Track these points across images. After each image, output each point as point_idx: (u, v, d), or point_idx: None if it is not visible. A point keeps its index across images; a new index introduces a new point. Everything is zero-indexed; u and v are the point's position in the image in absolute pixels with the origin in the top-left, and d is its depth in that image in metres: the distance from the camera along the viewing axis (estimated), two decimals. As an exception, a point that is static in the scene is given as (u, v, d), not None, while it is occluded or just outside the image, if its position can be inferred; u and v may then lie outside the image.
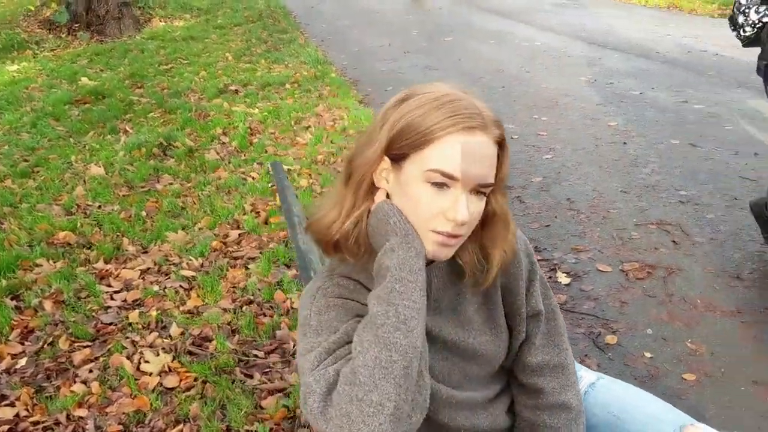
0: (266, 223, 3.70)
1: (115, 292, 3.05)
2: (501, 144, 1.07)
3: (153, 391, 2.40)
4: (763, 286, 2.99)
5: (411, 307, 0.98)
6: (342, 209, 1.11)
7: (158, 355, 2.59)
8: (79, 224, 3.64)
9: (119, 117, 5.68)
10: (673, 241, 3.41)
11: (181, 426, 2.24)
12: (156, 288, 3.07)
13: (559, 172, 4.35)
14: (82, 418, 2.28)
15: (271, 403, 2.32)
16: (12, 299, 2.99)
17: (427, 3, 12.38)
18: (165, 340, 2.70)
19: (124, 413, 2.30)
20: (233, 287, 3.07)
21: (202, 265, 3.27)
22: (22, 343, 2.70)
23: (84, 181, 4.26)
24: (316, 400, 0.96)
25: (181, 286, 3.09)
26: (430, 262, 1.15)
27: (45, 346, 2.66)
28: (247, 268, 3.23)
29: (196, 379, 2.46)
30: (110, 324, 2.81)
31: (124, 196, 4.06)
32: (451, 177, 1.01)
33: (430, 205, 1.03)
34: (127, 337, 2.71)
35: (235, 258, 3.35)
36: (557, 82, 6.54)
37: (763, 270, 3.11)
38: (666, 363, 2.54)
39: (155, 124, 5.46)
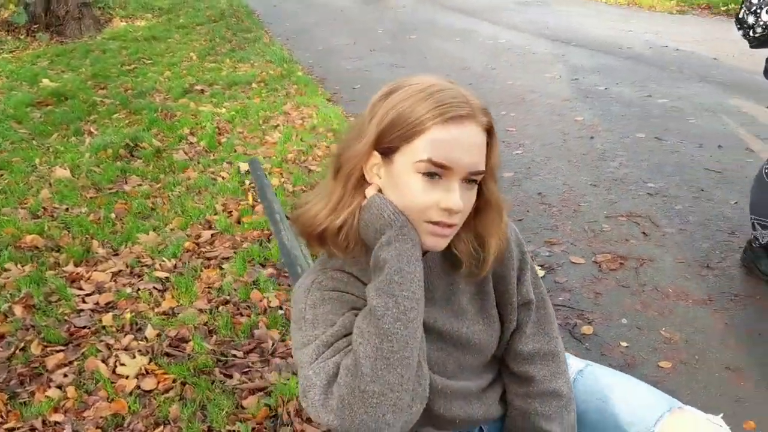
0: (239, 222, 3.67)
1: (87, 295, 2.99)
2: (489, 131, 1.08)
3: (131, 394, 2.36)
4: (733, 274, 3.06)
5: (410, 298, 0.99)
6: (329, 202, 1.11)
7: (134, 357, 2.55)
8: (46, 227, 3.56)
9: (83, 118, 5.57)
10: (644, 233, 3.47)
11: (161, 428, 2.21)
12: (129, 290, 3.02)
13: (529, 167, 4.39)
14: (58, 423, 2.23)
15: (253, 402, 2.30)
16: (-20, 305, 2.92)
17: (388, 1, 12.39)
18: (141, 342, 2.66)
19: (101, 417, 2.25)
20: (208, 288, 3.03)
21: (175, 266, 3.23)
22: (-7, 349, 2.64)
23: (50, 183, 4.17)
24: (317, 393, 0.96)
25: (154, 287, 3.05)
26: (424, 254, 1.15)
27: (17, 351, 2.59)
28: (221, 268, 3.20)
29: (174, 381, 2.42)
30: (83, 327, 2.76)
31: (91, 198, 3.99)
32: (442, 166, 1.02)
33: (423, 196, 1.03)
34: (102, 341, 2.66)
35: (209, 258, 3.31)
36: (523, 79, 6.60)
37: (732, 259, 3.18)
38: (642, 351, 2.58)
39: (120, 125, 5.37)
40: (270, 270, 3.15)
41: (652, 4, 11.00)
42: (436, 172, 1.03)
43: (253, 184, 4.13)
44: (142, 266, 3.23)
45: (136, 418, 2.26)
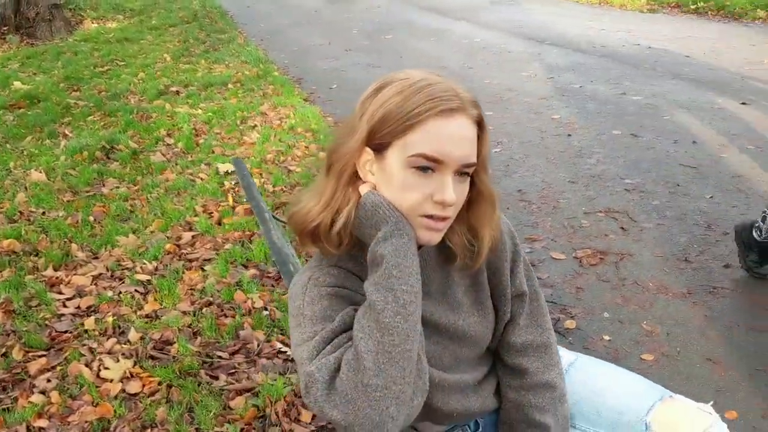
0: (220, 224, 3.65)
1: (68, 299, 2.95)
2: (480, 123, 1.09)
3: (116, 397, 2.34)
4: (711, 267, 3.11)
5: (409, 292, 0.99)
6: (322, 199, 1.11)
7: (118, 361, 2.52)
8: (23, 231, 3.51)
9: (57, 121, 5.50)
10: (622, 228, 3.52)
11: (148, 431, 2.19)
12: (110, 293, 2.99)
13: (507, 165, 4.42)
14: (43, 428, 2.20)
15: (240, 403, 2.29)
16: (-42, 311, 2.87)
17: (355, 1, 12.37)
18: (124, 345, 2.63)
19: (87, 422, 2.23)
20: (191, 289, 3.01)
21: (156, 269, 3.20)
22: (-27, 356, 2.60)
23: (25, 187, 4.11)
24: (320, 389, 0.97)
25: (136, 290, 3.02)
26: (419, 248, 1.16)
27: (-2, 357, 2.56)
28: (203, 270, 3.18)
29: (160, 384, 2.41)
30: (65, 332, 2.72)
31: (68, 201, 3.94)
32: (435, 160, 1.03)
33: (417, 190, 1.04)
34: (84, 345, 2.63)
35: (191, 260, 3.29)
36: (499, 78, 6.64)
37: (710, 252, 3.23)
38: (624, 345, 2.61)
39: (96, 127, 5.31)
40: (253, 271, 3.14)
41: (623, 3, 11.13)
42: (428, 166, 1.03)
43: (233, 185, 4.11)
44: (122, 269, 3.20)
45: (123, 421, 2.24)
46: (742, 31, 8.62)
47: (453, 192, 1.04)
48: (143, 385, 2.41)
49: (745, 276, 3.01)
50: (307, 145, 4.83)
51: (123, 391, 2.38)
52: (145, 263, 3.23)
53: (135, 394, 2.37)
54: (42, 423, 2.22)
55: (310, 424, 2.22)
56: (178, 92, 6.39)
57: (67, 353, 2.58)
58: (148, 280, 3.09)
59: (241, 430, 2.18)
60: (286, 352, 2.58)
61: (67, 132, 5.22)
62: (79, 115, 5.64)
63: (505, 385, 1.32)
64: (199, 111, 5.71)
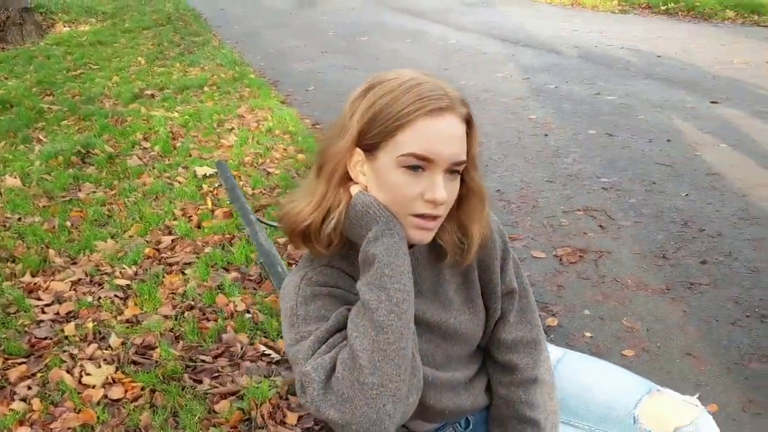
0: (199, 227, 3.62)
1: (47, 305, 2.92)
2: (468, 121, 1.10)
3: (98, 403, 2.31)
4: (688, 264, 3.16)
5: (402, 290, 1.00)
6: (312, 199, 1.11)
7: (100, 366, 2.50)
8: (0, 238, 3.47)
9: (30, 126, 5.42)
10: (600, 226, 3.56)
11: (133, 436, 2.17)
12: (90, 299, 2.96)
13: (486, 165, 4.45)
14: (25, 436, 2.18)
15: (225, 406, 2.28)
16: (-67, 319, 2.83)
17: (321, 4, 12.37)
18: (105, 351, 2.60)
19: (69, 428, 2.20)
20: (172, 294, 2.99)
21: (136, 273, 3.18)
22: (-49, 364, 2.56)
23: (0, 193, 4.05)
24: (316, 389, 0.97)
25: (116, 295, 2.99)
26: (411, 247, 1.17)
27: (-24, 365, 2.52)
28: (184, 274, 3.15)
29: (143, 389, 2.39)
30: (45, 338, 2.69)
31: (44, 206, 3.89)
32: (425, 159, 1.03)
33: (407, 189, 1.05)
34: (65, 351, 2.60)
35: (171, 264, 3.26)
36: (476, 79, 6.68)
37: (687, 249, 3.28)
38: (606, 341, 2.65)
39: (70, 131, 5.25)
40: (234, 274, 3.12)
41: (594, 4, 11.26)
42: (419, 165, 1.04)
43: (211, 189, 4.09)
44: (101, 274, 3.17)
45: (106, 427, 2.22)
46: (712, 32, 8.76)
47: (444, 190, 1.05)
48: (126, 391, 2.38)
49: (721, 272, 3.07)
50: (286, 148, 4.81)
51: (105, 396, 2.36)
52: (124, 268, 3.20)
53: (118, 400, 2.35)
54: (24, 430, 2.19)
55: (296, 426, 2.22)
56: (153, 95, 6.33)
57: (47, 360, 2.55)
58: (128, 285, 3.07)
59: (227, 433, 2.18)
60: (269, 354, 2.57)
61: (41, 137, 5.15)
62: (53, 120, 5.56)
63: (495, 382, 1.33)
64: (176, 114, 5.66)
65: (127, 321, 2.81)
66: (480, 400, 1.32)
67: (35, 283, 3.07)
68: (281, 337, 2.63)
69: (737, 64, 6.93)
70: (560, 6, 11.49)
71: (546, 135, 4.98)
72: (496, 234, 1.26)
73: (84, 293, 3.01)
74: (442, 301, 1.23)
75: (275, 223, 2.17)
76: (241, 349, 2.60)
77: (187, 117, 5.54)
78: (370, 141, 1.07)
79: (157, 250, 3.39)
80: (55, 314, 2.86)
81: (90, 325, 2.75)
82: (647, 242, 3.37)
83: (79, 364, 2.52)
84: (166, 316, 2.82)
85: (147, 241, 3.47)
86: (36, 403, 2.30)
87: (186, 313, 2.84)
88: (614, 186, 4.04)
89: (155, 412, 2.26)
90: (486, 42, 8.47)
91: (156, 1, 13.11)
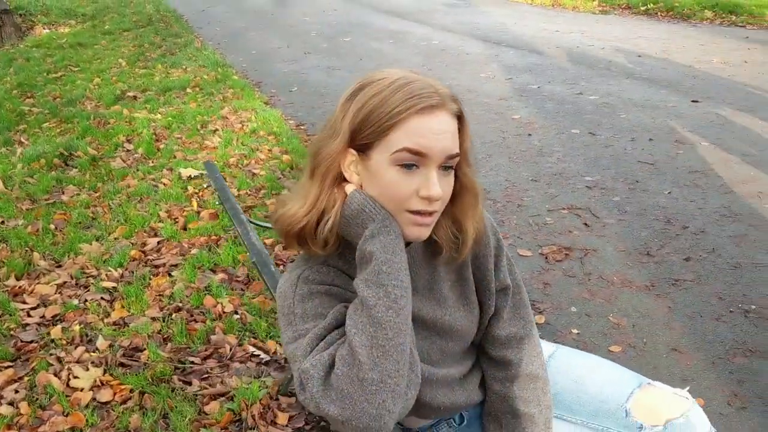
0: (185, 229, 3.61)
1: (32, 308, 2.89)
2: (460, 117, 1.11)
3: (87, 406, 2.30)
4: (672, 260, 3.20)
5: (399, 287, 1.01)
6: (306, 201, 1.12)
7: (88, 369, 2.48)
8: (-18, 241, 3.43)
9: (11, 128, 5.37)
10: (585, 224, 3.59)
11: (123, 439, 2.16)
12: (76, 302, 2.94)
13: (471, 165, 4.46)
14: (13, 440, 2.16)
15: (215, 408, 2.28)
16: None
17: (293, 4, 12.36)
18: (93, 354, 2.59)
19: (58, 431, 2.19)
20: (159, 296, 2.98)
21: (122, 276, 3.16)
22: (-65, 369, 2.53)
23: (-19, 196, 4.01)
24: (316, 385, 0.97)
25: (102, 298, 2.97)
26: (408, 244, 1.17)
27: (-38, 369, 2.50)
28: (171, 276, 3.14)
29: (132, 391, 2.37)
30: (31, 342, 2.67)
31: (27, 209, 3.85)
32: (418, 153, 1.04)
33: (402, 187, 1.05)
34: (52, 354, 2.58)
35: (157, 266, 3.25)
36: (459, 79, 6.71)
37: (670, 246, 3.32)
38: (593, 337, 2.67)
39: (52, 134, 5.21)
40: (221, 275, 3.11)
41: (575, 5, 11.34)
42: (413, 161, 1.05)
43: (196, 190, 4.08)
44: (87, 277, 3.15)
45: (95, 430, 2.20)
46: (691, 32, 8.86)
47: (438, 186, 1.05)
48: (115, 393, 2.37)
49: (704, 268, 3.11)
50: (270, 149, 4.80)
51: (94, 399, 2.34)
52: (110, 270, 3.18)
53: (107, 403, 2.33)
54: (11, 435, 2.17)
55: (286, 426, 2.22)
56: (135, 97, 6.29)
57: (34, 363, 2.53)
58: (114, 287, 3.05)
59: (218, 434, 2.17)
60: (259, 355, 2.57)
61: (22, 140, 5.10)
62: (34, 122, 5.52)
63: (489, 378, 1.34)
64: (159, 116, 5.63)
65: (114, 323, 2.79)
66: (474, 395, 1.33)
67: (20, 287, 3.05)
68: (270, 338, 2.64)
69: (716, 63, 7.01)
70: (541, 7, 11.56)
71: (530, 134, 5.02)
72: (490, 231, 1.27)
73: (70, 296, 2.99)
74: (437, 298, 1.24)
75: (267, 224, 2.17)
76: (230, 350, 2.60)
77: (170, 119, 5.51)
78: (363, 141, 1.07)
79: (143, 252, 3.37)
80: (41, 317, 2.84)
81: (77, 327, 2.73)
82: (632, 240, 3.40)
83: (66, 367, 2.50)
84: (153, 318, 2.80)
85: (132, 244, 3.45)
86: (24, 407, 2.28)
87: (174, 315, 2.83)
88: (598, 184, 4.07)
89: (145, 414, 2.25)
90: (469, 42, 8.51)
91: (136, 2, 13.04)
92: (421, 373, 1.18)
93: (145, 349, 2.61)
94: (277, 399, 2.33)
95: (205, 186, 4.12)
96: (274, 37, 9.41)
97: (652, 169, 4.26)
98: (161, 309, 2.88)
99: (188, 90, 6.52)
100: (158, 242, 3.47)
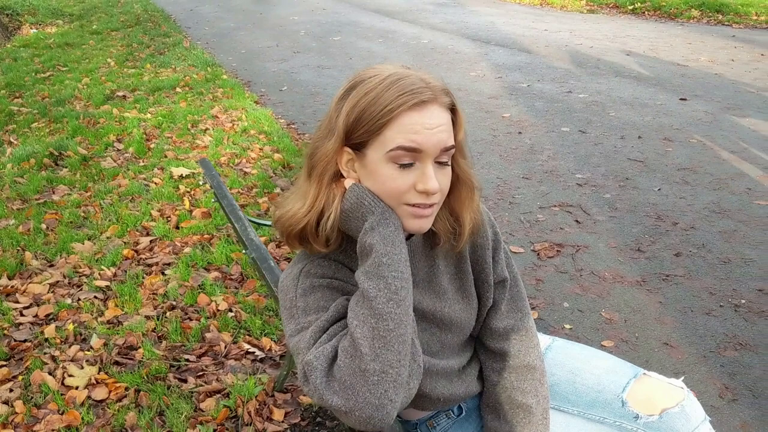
0: (177, 228, 3.61)
1: (25, 308, 2.89)
2: (453, 110, 1.12)
3: (82, 404, 2.30)
4: (662, 256, 3.23)
5: (399, 278, 1.02)
6: (306, 201, 1.12)
7: (82, 368, 2.48)
8: (-27, 241, 3.42)
9: (0, 128, 5.35)
10: (576, 221, 3.61)
11: (119, 437, 2.16)
12: (69, 301, 2.93)
13: (462, 163, 4.48)
14: (8, 439, 2.16)
15: (211, 404, 2.29)
16: None
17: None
18: (87, 352, 2.59)
19: (53, 430, 2.19)
20: (153, 294, 2.98)
21: (115, 275, 3.15)
22: (-72, 369, 2.52)
23: (-28, 196, 3.99)
24: (319, 377, 0.98)
25: (96, 297, 2.97)
26: (409, 237, 1.19)
27: (-45, 369, 2.49)
28: (164, 274, 3.14)
29: (127, 389, 2.38)
30: (24, 341, 2.66)
31: (18, 209, 3.84)
32: (413, 150, 1.05)
33: (399, 182, 1.06)
34: (46, 353, 2.58)
35: (150, 265, 3.25)
36: (449, 78, 6.72)
37: (661, 242, 3.35)
38: (585, 332, 2.69)
39: (42, 134, 5.18)
40: (215, 273, 3.12)
41: (563, 4, 11.39)
42: (408, 158, 1.06)
43: (188, 189, 4.07)
44: (80, 276, 3.14)
45: (91, 428, 2.20)
46: (678, 30, 8.92)
47: (435, 180, 1.06)
48: (110, 391, 2.37)
49: (695, 263, 3.14)
50: (262, 147, 4.80)
51: (89, 397, 2.35)
52: (103, 269, 3.17)
53: (102, 401, 2.34)
54: (7, 433, 2.17)
55: (282, 422, 2.23)
56: (125, 97, 6.27)
57: (28, 362, 2.52)
58: (107, 286, 3.05)
59: (214, 431, 2.18)
60: (254, 352, 2.58)
61: (12, 140, 5.08)
62: (24, 122, 5.49)
63: (487, 369, 1.36)
64: (149, 115, 5.62)
65: (108, 322, 2.79)
66: (473, 387, 1.35)
67: (12, 286, 3.04)
68: (265, 335, 2.65)
69: (704, 61, 7.07)
70: (529, 6, 11.61)
71: (520, 133, 5.04)
72: (488, 225, 1.29)
73: (63, 295, 2.98)
74: (436, 290, 1.25)
75: (263, 222, 2.17)
76: (225, 347, 2.60)
77: (160, 118, 5.50)
78: (358, 140, 1.08)
79: (136, 251, 3.37)
80: (34, 317, 2.83)
81: (70, 326, 2.73)
82: (623, 236, 3.43)
83: (61, 365, 2.50)
84: (147, 317, 2.80)
85: (125, 243, 3.45)
86: (19, 406, 2.28)
87: (168, 313, 2.83)
88: (589, 182, 4.10)
89: (141, 412, 2.26)
90: (458, 41, 8.53)
91: (124, 2, 12.98)
92: (423, 365, 1.20)
93: (139, 347, 2.61)
94: (272, 395, 2.34)
95: (201, 183, 4.12)
96: (263, 37, 9.40)
97: (642, 166, 4.29)
98: (155, 307, 2.88)
99: (178, 89, 6.50)
100: (151, 241, 3.46)
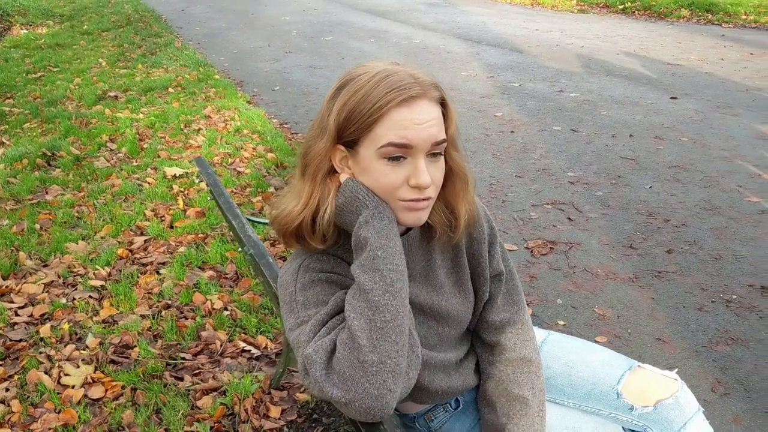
0: (171, 227, 3.61)
1: (20, 307, 2.88)
2: (443, 103, 1.13)
3: (79, 403, 2.31)
4: (654, 253, 3.25)
5: (395, 270, 1.04)
6: (301, 199, 1.14)
7: (78, 367, 2.48)
8: (-34, 241, 3.41)
9: (-8, 129, 5.34)
10: (569, 218, 3.64)
11: (116, 434, 2.17)
12: (64, 300, 2.93)
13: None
14: (5, 438, 2.16)
15: (208, 402, 2.29)
16: None
17: None
18: (83, 351, 2.59)
19: (50, 429, 2.19)
20: (148, 293, 2.98)
21: (110, 274, 3.16)
22: (-77, 369, 2.52)
23: (-36, 196, 3.98)
24: (318, 369, 1.00)
25: (90, 296, 2.97)
26: (406, 231, 1.20)
27: (-49, 369, 2.49)
28: (159, 273, 3.14)
29: (123, 387, 2.38)
30: (20, 341, 2.66)
31: (12, 209, 3.83)
32: (404, 146, 1.06)
33: (392, 178, 1.08)
34: (41, 352, 2.58)
35: (144, 264, 3.25)
36: (441, 77, 6.74)
37: (653, 239, 3.37)
38: (579, 328, 2.72)
39: (34, 134, 5.17)
40: (210, 272, 3.12)
41: (554, 4, 11.44)
42: (400, 153, 1.07)
43: (182, 189, 4.07)
44: (74, 275, 3.14)
45: (88, 427, 2.21)
46: (668, 30, 8.98)
47: (428, 174, 1.07)
48: (106, 390, 2.38)
49: (686, 260, 3.17)
50: (255, 147, 4.81)
51: (86, 396, 2.35)
52: (97, 269, 3.17)
53: (98, 399, 2.34)
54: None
55: (279, 419, 2.24)
56: (117, 97, 6.26)
57: (24, 362, 2.52)
58: (102, 286, 3.05)
59: (211, 428, 2.18)
60: (249, 350, 2.58)
61: (4, 140, 5.06)
62: (15, 123, 5.48)
63: (484, 362, 1.37)
64: (141, 116, 5.61)
65: (104, 321, 2.79)
66: (470, 380, 1.36)
67: (7, 286, 3.03)
68: (260, 333, 2.66)
69: (694, 60, 7.12)
70: (520, 6, 11.65)
71: (512, 131, 5.07)
72: (483, 219, 1.31)
73: (57, 295, 2.98)
74: (433, 284, 1.26)
75: (260, 220, 2.18)
76: (221, 346, 2.61)
77: (153, 118, 5.49)
78: (350, 138, 1.09)
79: (130, 250, 3.37)
80: (29, 316, 2.83)
81: (66, 326, 2.73)
82: (615, 233, 3.46)
83: (56, 365, 2.50)
84: (143, 316, 2.81)
85: (119, 242, 3.45)
86: (15, 405, 2.28)
87: (163, 312, 2.83)
88: (581, 180, 4.13)
89: (137, 410, 2.26)
90: (450, 41, 8.55)
91: (114, 2, 12.95)
92: (421, 357, 1.22)
93: (135, 346, 2.61)
94: (269, 393, 2.35)
95: (197, 182, 4.12)
96: (254, 37, 9.40)
97: (634, 164, 4.33)
98: (150, 306, 2.89)
99: (170, 90, 6.50)
100: (145, 241, 3.47)
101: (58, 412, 2.27)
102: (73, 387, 2.39)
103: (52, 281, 3.10)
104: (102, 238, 3.49)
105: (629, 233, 3.45)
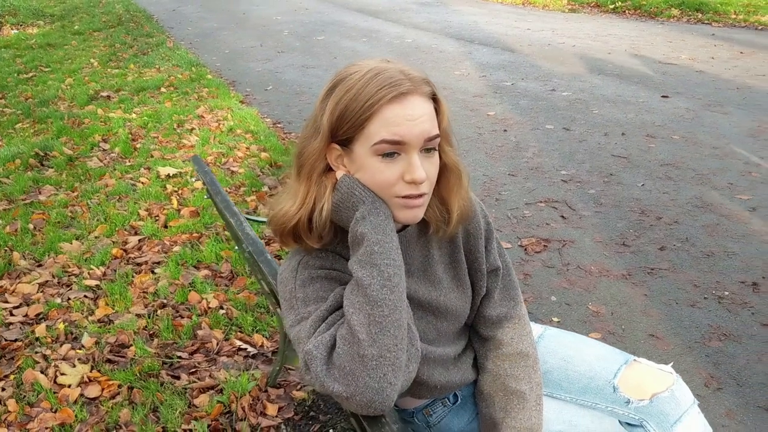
0: (166, 226, 3.61)
1: (15, 307, 2.88)
2: (435, 99, 1.14)
3: (75, 402, 2.31)
4: (647, 250, 3.28)
5: (392, 265, 1.05)
6: (297, 199, 1.15)
7: (74, 366, 2.49)
8: (-40, 242, 3.40)
9: (-17, 129, 5.32)
10: (562, 216, 3.66)
11: (113, 433, 2.17)
12: (59, 300, 2.93)
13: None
14: (2, 437, 2.16)
15: (205, 400, 2.30)
16: None
17: None
18: (79, 351, 2.59)
19: (47, 428, 2.19)
20: (143, 293, 2.98)
21: (105, 274, 3.15)
22: None
23: (-43, 197, 3.97)
24: (319, 365, 1.01)
25: (86, 296, 2.97)
26: (403, 228, 1.21)
27: (-54, 369, 2.48)
28: (154, 273, 3.15)
29: (120, 386, 2.38)
30: (15, 340, 2.66)
31: (5, 209, 3.82)
32: (397, 143, 1.07)
33: (387, 175, 1.09)
34: (37, 352, 2.58)
35: (139, 264, 3.25)
36: (434, 77, 6.67)
37: (646, 236, 3.40)
38: (573, 325, 2.74)
39: (26, 134, 5.16)
40: (205, 272, 3.13)
41: (545, 3, 11.48)
42: (393, 150, 1.08)
43: (175, 189, 4.07)
44: (69, 275, 3.14)
45: (85, 426, 2.21)
46: (659, 29, 9.02)
47: (422, 170, 1.09)
48: (103, 389, 2.38)
49: (679, 257, 3.19)
50: (248, 146, 4.81)
51: (82, 395, 2.35)
52: (92, 268, 3.17)
53: (95, 398, 2.34)
54: (1, 431, 2.17)
55: (276, 416, 2.25)
56: (109, 97, 6.25)
57: (19, 361, 2.52)
58: (97, 285, 3.05)
59: (208, 426, 2.19)
60: (246, 349, 2.59)
61: (-5, 140, 5.05)
62: (7, 123, 5.46)
63: (481, 357, 1.39)
64: (134, 116, 5.60)
65: (99, 321, 2.80)
66: (468, 374, 1.38)
67: (1, 286, 3.03)
68: (257, 332, 2.66)
69: (685, 59, 7.16)
70: (512, 5, 11.68)
71: (505, 130, 5.09)
72: (480, 215, 1.32)
73: (52, 294, 2.98)
74: (431, 279, 1.28)
75: (257, 218, 2.19)
76: (217, 344, 2.62)
77: (146, 118, 5.49)
78: (344, 136, 1.10)
79: (125, 250, 3.37)
80: (24, 316, 2.83)
81: (61, 325, 2.73)
82: (608, 231, 3.48)
83: (52, 364, 2.50)
84: (138, 315, 2.81)
85: (114, 242, 3.44)
86: (12, 404, 2.28)
87: (159, 311, 2.84)
88: (573, 178, 4.15)
89: (134, 409, 2.27)
90: (442, 41, 8.57)
91: (105, 2, 12.91)
92: (420, 352, 1.23)
93: (131, 345, 2.62)
94: (266, 391, 2.35)
95: (192, 181, 4.12)
96: (246, 37, 9.39)
97: (626, 162, 4.35)
98: (146, 306, 2.89)
99: (163, 89, 6.49)
100: (140, 240, 3.47)
101: (55, 412, 2.27)
102: (69, 386, 2.39)
103: (47, 281, 3.09)
104: (96, 237, 3.49)
105: (622, 231, 3.47)
